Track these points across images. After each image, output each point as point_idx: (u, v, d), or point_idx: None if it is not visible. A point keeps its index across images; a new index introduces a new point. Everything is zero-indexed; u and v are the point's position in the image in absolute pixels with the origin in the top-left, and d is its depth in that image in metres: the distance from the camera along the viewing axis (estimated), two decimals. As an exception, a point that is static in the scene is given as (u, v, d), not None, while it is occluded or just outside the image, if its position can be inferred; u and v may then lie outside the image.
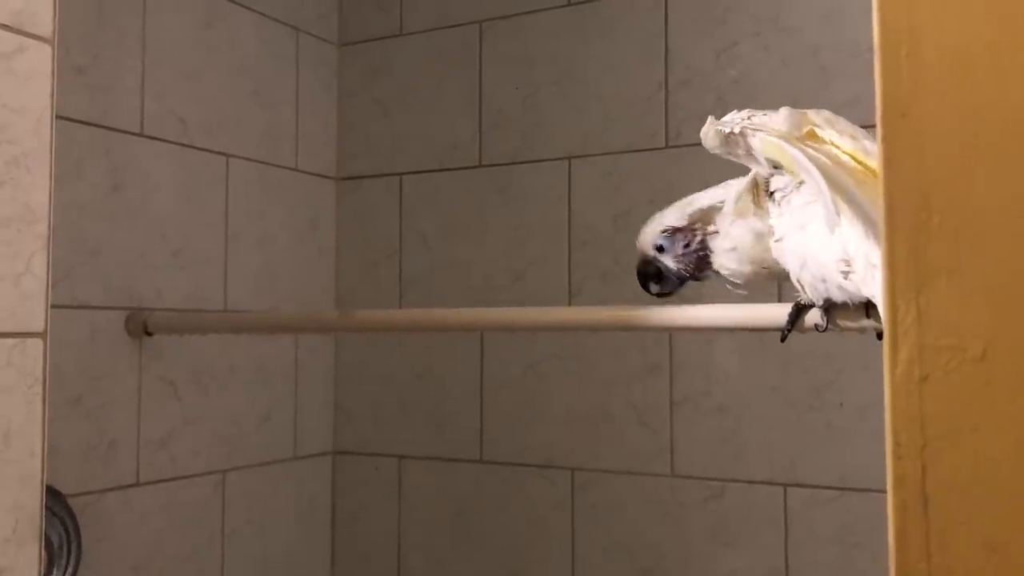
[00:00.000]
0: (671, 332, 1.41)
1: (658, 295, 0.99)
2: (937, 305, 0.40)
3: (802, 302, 0.89)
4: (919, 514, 0.40)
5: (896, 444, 0.41)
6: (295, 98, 1.64)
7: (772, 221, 0.88)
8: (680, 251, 0.95)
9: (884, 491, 0.42)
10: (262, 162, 1.56)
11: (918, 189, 0.41)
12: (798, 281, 0.86)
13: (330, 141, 1.71)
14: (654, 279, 0.98)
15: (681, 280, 0.96)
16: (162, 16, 1.40)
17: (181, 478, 1.39)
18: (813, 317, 0.88)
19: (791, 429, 1.34)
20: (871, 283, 0.79)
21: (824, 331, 0.87)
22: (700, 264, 0.95)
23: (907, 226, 0.41)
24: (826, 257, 0.82)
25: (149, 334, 1.33)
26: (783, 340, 0.92)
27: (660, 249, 0.97)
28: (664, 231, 0.96)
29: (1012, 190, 0.40)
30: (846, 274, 0.81)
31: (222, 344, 1.46)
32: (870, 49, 0.45)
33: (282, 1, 1.62)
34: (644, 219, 1.51)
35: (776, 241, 0.88)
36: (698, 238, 0.94)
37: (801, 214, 0.84)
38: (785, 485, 1.35)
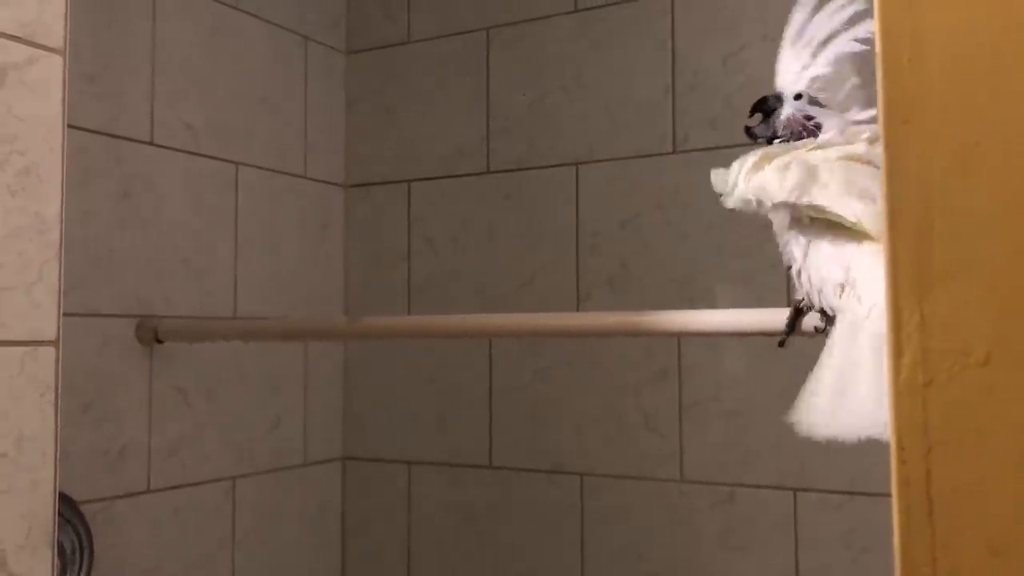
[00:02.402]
0: (679, 337, 1.41)
1: (753, 133, 0.95)
2: (940, 310, 0.41)
3: (801, 305, 0.90)
4: (924, 518, 0.40)
5: (900, 448, 0.41)
6: (304, 106, 1.65)
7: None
8: (793, 119, 0.92)
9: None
10: (271, 170, 1.57)
11: (921, 194, 0.41)
12: (797, 277, 0.88)
13: (338, 148, 1.72)
14: (767, 114, 0.94)
15: (771, 138, 0.93)
16: (171, 25, 1.41)
17: (192, 485, 1.40)
18: (812, 320, 0.89)
19: (799, 433, 1.34)
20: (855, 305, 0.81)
21: (824, 332, 0.87)
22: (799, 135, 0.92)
23: (910, 231, 0.42)
24: (827, 273, 0.84)
25: (160, 342, 1.33)
26: (781, 345, 0.92)
27: (798, 97, 0.92)
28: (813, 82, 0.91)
29: (1014, 195, 0.40)
30: (840, 295, 0.83)
31: (232, 351, 1.47)
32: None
33: (291, 10, 1.63)
34: (652, 224, 1.52)
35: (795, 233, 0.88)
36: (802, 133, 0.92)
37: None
38: (795, 490, 1.34)
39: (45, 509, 0.75)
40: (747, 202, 0.89)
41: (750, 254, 1.36)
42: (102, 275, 1.28)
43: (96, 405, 1.26)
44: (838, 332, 0.83)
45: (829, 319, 0.87)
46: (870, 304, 0.81)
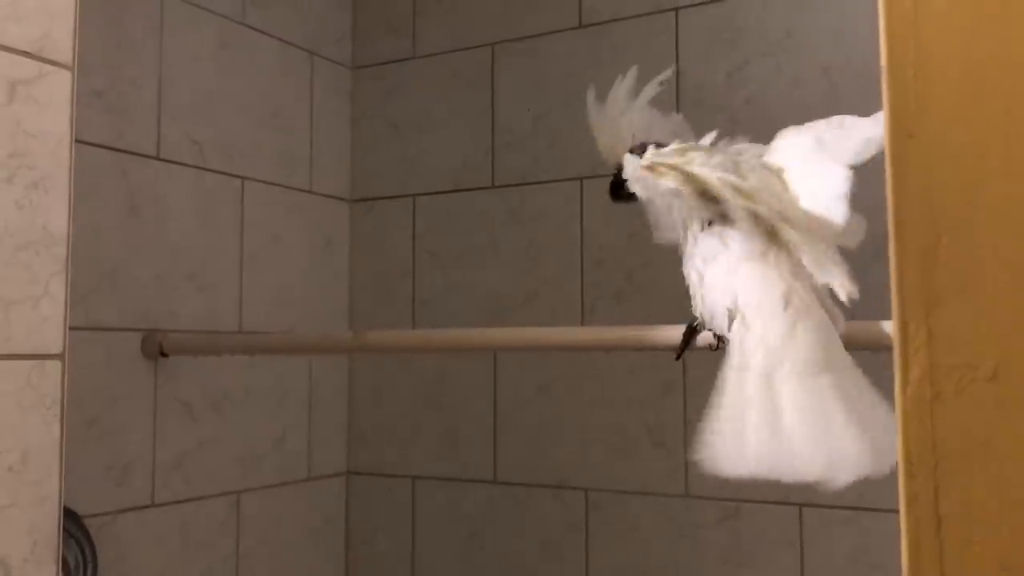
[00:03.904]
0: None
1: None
2: (948, 324, 0.41)
3: (695, 324, 0.93)
4: (932, 534, 0.40)
5: (908, 463, 0.41)
6: (310, 121, 1.65)
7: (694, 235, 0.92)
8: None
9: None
10: (277, 184, 1.58)
11: (926, 208, 0.41)
12: (693, 299, 0.91)
13: (344, 163, 1.73)
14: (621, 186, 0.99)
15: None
16: (178, 41, 1.42)
17: (196, 499, 1.39)
18: (705, 338, 0.93)
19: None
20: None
21: (717, 350, 0.90)
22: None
23: (916, 246, 0.42)
24: (719, 297, 0.87)
25: (165, 356, 1.34)
26: (677, 359, 0.97)
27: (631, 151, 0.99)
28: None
29: (1021, 208, 0.40)
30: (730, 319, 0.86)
31: (237, 365, 1.47)
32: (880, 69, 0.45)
33: (297, 25, 1.64)
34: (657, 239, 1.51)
35: (692, 257, 0.92)
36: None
37: (712, 247, 0.89)
38: (800, 505, 1.34)
39: (50, 523, 0.75)
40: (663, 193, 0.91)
41: (755, 269, 1.36)
42: (108, 289, 1.29)
43: (101, 419, 1.26)
44: (727, 372, 0.84)
45: (721, 339, 0.90)
46: (758, 337, 0.82)
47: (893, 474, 0.44)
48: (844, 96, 1.34)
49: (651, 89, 1.02)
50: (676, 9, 1.48)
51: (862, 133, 0.86)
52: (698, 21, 1.47)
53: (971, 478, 0.40)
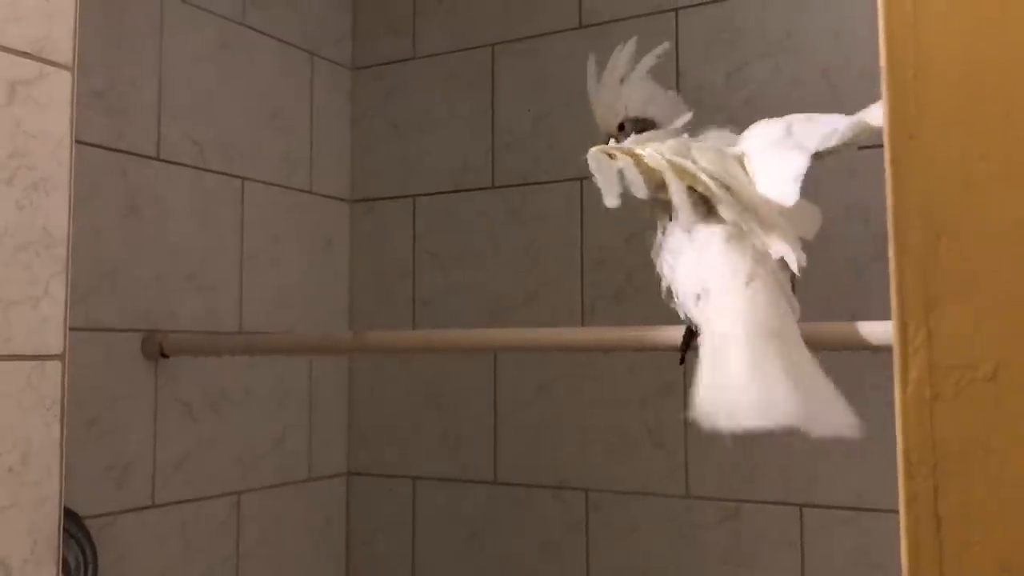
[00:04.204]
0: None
1: None
2: (947, 325, 0.41)
3: (693, 325, 0.93)
4: (932, 534, 0.40)
5: (908, 464, 0.41)
6: (310, 121, 1.65)
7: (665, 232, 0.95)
8: None
9: (897, 511, 0.42)
10: (277, 185, 1.58)
11: (926, 210, 0.41)
12: (668, 295, 0.93)
13: (344, 164, 1.73)
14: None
15: None
16: (178, 41, 1.42)
17: (196, 500, 1.39)
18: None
19: (806, 449, 1.34)
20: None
21: (687, 351, 0.92)
22: None
23: (916, 246, 0.42)
24: (690, 288, 0.89)
25: (165, 356, 1.34)
26: (682, 362, 0.96)
27: (621, 128, 1.03)
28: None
29: (1021, 209, 0.40)
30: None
31: (237, 366, 1.47)
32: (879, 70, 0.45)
33: (297, 26, 1.64)
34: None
35: (662, 251, 0.94)
36: None
37: (679, 238, 0.91)
38: (801, 505, 1.34)
39: (50, 524, 0.75)
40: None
41: (755, 269, 1.36)
42: (107, 289, 1.29)
43: (101, 419, 1.26)
44: (704, 351, 0.85)
45: (692, 335, 0.92)
46: (720, 307, 0.84)
47: (893, 474, 0.44)
48: (844, 97, 1.34)
49: (649, 60, 1.03)
50: (676, 10, 1.48)
51: (829, 124, 0.89)
52: (697, 22, 1.47)
53: (970, 478, 0.40)
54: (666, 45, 1.06)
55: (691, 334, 0.94)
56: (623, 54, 1.03)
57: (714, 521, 1.39)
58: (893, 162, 0.43)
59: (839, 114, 0.92)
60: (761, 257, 0.86)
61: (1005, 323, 0.40)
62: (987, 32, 0.42)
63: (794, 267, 0.83)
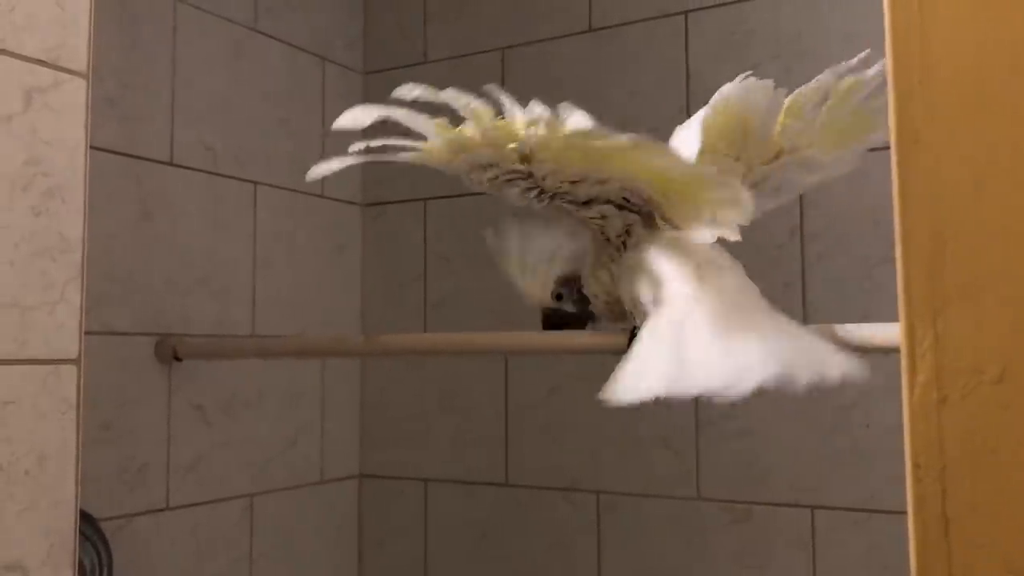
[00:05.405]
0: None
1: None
2: (954, 328, 0.41)
3: (637, 325, 0.96)
4: (940, 536, 0.40)
5: (916, 466, 0.41)
6: (321, 126, 1.66)
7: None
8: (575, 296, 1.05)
9: (906, 513, 0.42)
10: (289, 189, 1.59)
11: (932, 213, 0.42)
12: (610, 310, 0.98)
13: (355, 167, 1.72)
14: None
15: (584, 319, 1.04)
16: (191, 47, 1.43)
17: (210, 502, 1.40)
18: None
19: (817, 450, 1.34)
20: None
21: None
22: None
23: (923, 250, 0.42)
24: (635, 295, 0.93)
25: (178, 360, 1.35)
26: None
27: (559, 297, 1.08)
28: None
29: (1027, 214, 0.40)
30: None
31: (250, 369, 1.48)
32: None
33: (309, 31, 1.65)
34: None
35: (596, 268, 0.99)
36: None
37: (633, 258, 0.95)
38: (812, 507, 1.34)
39: (66, 526, 0.76)
40: None
41: (763, 275, 1.36)
42: (122, 294, 1.30)
43: (115, 423, 1.27)
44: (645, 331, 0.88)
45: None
46: (672, 295, 0.88)
47: (903, 475, 0.44)
48: (854, 98, 1.34)
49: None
50: (685, 12, 1.48)
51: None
52: (707, 24, 1.47)
53: (978, 481, 0.40)
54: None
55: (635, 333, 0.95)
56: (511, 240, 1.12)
57: (725, 523, 1.39)
58: (900, 165, 0.43)
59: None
60: (712, 252, 0.90)
61: (1012, 325, 0.40)
62: (993, 36, 0.42)
63: (732, 237, 0.88)
